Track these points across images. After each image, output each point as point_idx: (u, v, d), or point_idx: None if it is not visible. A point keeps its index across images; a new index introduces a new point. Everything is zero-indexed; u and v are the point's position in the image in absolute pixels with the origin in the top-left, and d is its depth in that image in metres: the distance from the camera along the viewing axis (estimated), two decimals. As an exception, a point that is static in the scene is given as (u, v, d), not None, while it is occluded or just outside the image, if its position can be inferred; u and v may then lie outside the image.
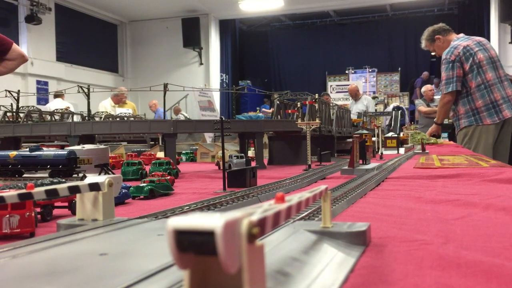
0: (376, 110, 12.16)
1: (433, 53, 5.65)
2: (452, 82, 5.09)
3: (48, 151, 2.41)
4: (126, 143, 5.14)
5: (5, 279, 0.61)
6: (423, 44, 5.61)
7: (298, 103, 3.70)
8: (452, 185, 2.03)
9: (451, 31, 5.44)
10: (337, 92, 16.72)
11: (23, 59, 4.18)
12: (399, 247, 0.90)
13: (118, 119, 4.97)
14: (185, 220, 0.44)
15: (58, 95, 9.20)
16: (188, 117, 10.08)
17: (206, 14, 15.61)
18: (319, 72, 17.55)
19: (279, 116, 3.85)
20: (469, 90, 5.11)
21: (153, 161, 2.67)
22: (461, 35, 5.40)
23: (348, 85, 16.33)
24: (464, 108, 5.18)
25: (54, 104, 8.71)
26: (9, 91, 3.78)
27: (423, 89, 10.30)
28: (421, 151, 4.73)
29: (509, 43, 12.91)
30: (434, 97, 10.39)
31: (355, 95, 10.21)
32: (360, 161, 2.89)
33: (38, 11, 12.12)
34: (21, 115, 3.84)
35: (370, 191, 1.85)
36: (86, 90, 3.38)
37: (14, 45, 4.15)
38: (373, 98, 13.23)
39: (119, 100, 9.20)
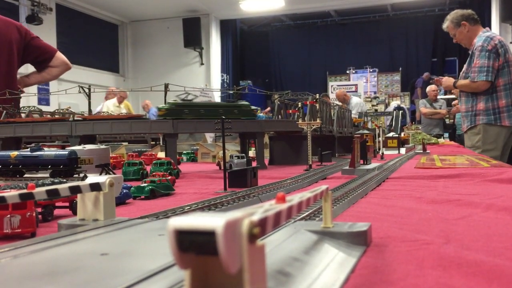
0: (376, 110, 12.14)
1: (454, 39, 5.35)
2: (488, 71, 4.81)
3: (49, 151, 2.41)
4: (127, 143, 5.15)
5: (6, 279, 0.61)
6: (445, 24, 5.32)
7: (299, 103, 3.70)
8: (453, 185, 2.03)
9: (479, 22, 5.21)
10: (338, 92, 16.69)
11: (66, 67, 4.40)
12: (400, 247, 0.90)
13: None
14: (186, 220, 0.44)
15: (107, 99, 9.30)
16: None
17: (207, 14, 15.60)
18: (320, 72, 17.55)
19: (279, 116, 3.85)
20: (495, 87, 4.91)
21: (154, 161, 2.67)
22: (487, 29, 5.20)
23: (349, 85, 16.38)
24: (486, 105, 4.97)
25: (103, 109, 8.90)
26: (10, 91, 3.78)
27: (427, 89, 10.33)
28: (422, 151, 4.73)
29: (510, 43, 12.90)
30: (438, 97, 10.41)
31: (344, 100, 10.15)
32: (361, 161, 2.89)
33: (39, 11, 12.13)
34: (22, 115, 3.84)
35: (371, 191, 1.84)
36: (86, 90, 3.38)
37: (58, 53, 4.36)
38: (374, 98, 13.21)
39: (122, 99, 9.27)
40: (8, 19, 4.32)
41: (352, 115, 8.35)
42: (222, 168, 2.05)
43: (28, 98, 8.00)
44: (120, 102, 9.39)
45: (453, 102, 9.85)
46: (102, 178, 1.03)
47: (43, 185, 1.31)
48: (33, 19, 11.96)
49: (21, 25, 4.42)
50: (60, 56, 4.34)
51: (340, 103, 9.99)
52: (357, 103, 10.19)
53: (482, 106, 5.00)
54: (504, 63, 4.87)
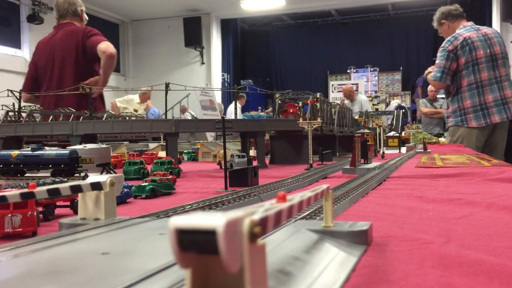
0: (377, 109, 12.13)
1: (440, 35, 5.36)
2: (443, 72, 4.83)
3: (50, 151, 2.41)
4: (127, 142, 5.15)
5: (7, 278, 0.61)
6: (435, 24, 5.34)
7: (300, 103, 3.70)
8: (454, 184, 2.03)
9: (460, 17, 5.13)
10: (338, 91, 16.73)
11: (106, 54, 4.28)
12: (400, 246, 0.90)
13: (120, 118, 4.97)
14: (187, 219, 0.44)
15: (238, 97, 9.40)
16: (195, 115, 10.10)
17: (208, 14, 15.60)
18: (320, 72, 17.55)
19: (280, 116, 3.85)
20: (460, 88, 4.86)
21: (154, 161, 2.68)
22: (470, 23, 5.09)
23: (349, 84, 16.38)
24: (453, 106, 4.93)
25: (232, 109, 9.04)
26: (11, 91, 3.78)
27: (428, 88, 10.34)
28: (423, 150, 4.72)
29: (511, 41, 12.87)
30: (438, 96, 10.40)
31: (349, 96, 10.17)
32: (362, 160, 2.89)
33: (40, 11, 12.12)
34: (23, 114, 3.85)
35: (371, 190, 1.84)
36: (87, 90, 3.39)
37: (100, 43, 4.27)
38: (375, 97, 13.22)
39: (146, 98, 9.40)
40: (75, 28, 4.56)
41: (364, 110, 8.38)
42: (223, 167, 2.05)
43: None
44: (142, 100, 9.57)
45: None
46: (103, 177, 1.03)
47: (44, 184, 1.31)
48: (34, 18, 11.96)
49: (84, 28, 4.53)
50: (101, 46, 4.27)
51: (345, 101, 9.99)
52: (365, 100, 10.24)
53: (451, 108, 5.00)
54: (469, 62, 4.77)
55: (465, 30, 4.92)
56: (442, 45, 4.93)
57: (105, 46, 4.31)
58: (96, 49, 4.28)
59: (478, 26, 5.11)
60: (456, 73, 4.88)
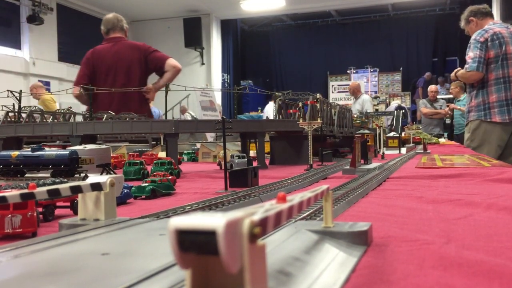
0: (377, 110, 12.15)
1: (466, 34, 5.29)
2: (479, 62, 4.74)
3: (50, 151, 2.41)
4: (127, 143, 5.14)
5: (7, 278, 0.61)
6: (462, 23, 5.29)
7: (300, 103, 3.70)
8: (454, 185, 2.03)
9: (489, 15, 5.12)
10: (338, 92, 16.76)
11: (175, 69, 5.14)
12: (400, 247, 0.90)
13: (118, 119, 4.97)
14: (187, 220, 0.44)
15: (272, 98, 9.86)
16: (195, 116, 10.09)
17: (208, 14, 15.61)
18: (320, 72, 17.55)
19: (280, 116, 3.85)
20: (486, 82, 4.80)
21: (155, 161, 2.68)
22: (498, 21, 5.10)
23: (349, 85, 16.39)
24: (477, 100, 4.86)
25: (268, 108, 9.70)
26: (11, 91, 3.78)
27: (428, 89, 10.37)
28: (422, 151, 4.72)
29: None
30: (438, 97, 10.43)
31: (354, 93, 10.17)
32: (362, 161, 2.89)
33: (40, 11, 12.13)
34: (23, 115, 3.84)
35: (371, 191, 1.84)
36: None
37: (169, 60, 5.15)
38: (375, 97, 13.21)
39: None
40: (133, 43, 5.49)
41: (364, 110, 8.38)
42: (223, 167, 2.05)
43: (29, 98, 8.02)
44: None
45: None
46: (103, 178, 1.03)
47: (44, 185, 1.31)
48: (34, 19, 11.97)
49: (142, 44, 5.43)
50: (170, 62, 5.12)
51: (345, 103, 9.96)
52: (367, 100, 10.22)
53: (474, 102, 4.95)
54: (498, 56, 4.75)
55: (495, 26, 4.90)
56: (473, 37, 4.85)
57: (174, 62, 5.18)
58: (163, 64, 5.10)
59: (507, 25, 5.10)
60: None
